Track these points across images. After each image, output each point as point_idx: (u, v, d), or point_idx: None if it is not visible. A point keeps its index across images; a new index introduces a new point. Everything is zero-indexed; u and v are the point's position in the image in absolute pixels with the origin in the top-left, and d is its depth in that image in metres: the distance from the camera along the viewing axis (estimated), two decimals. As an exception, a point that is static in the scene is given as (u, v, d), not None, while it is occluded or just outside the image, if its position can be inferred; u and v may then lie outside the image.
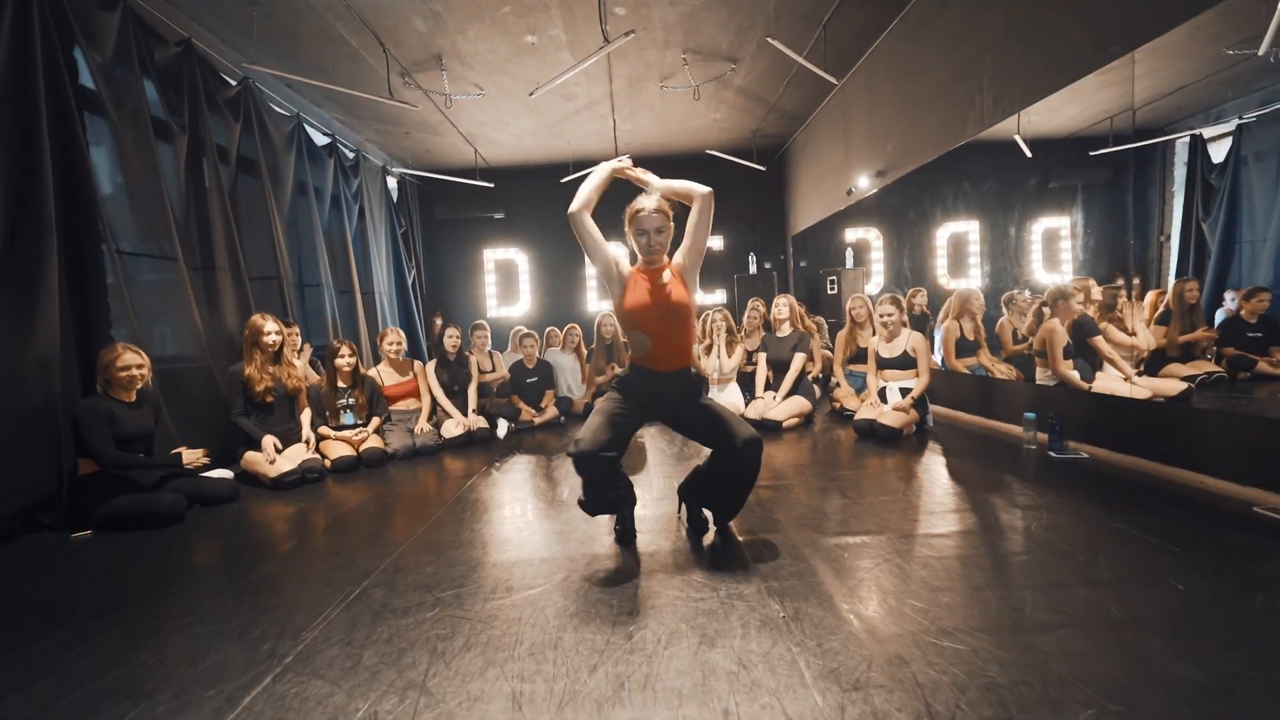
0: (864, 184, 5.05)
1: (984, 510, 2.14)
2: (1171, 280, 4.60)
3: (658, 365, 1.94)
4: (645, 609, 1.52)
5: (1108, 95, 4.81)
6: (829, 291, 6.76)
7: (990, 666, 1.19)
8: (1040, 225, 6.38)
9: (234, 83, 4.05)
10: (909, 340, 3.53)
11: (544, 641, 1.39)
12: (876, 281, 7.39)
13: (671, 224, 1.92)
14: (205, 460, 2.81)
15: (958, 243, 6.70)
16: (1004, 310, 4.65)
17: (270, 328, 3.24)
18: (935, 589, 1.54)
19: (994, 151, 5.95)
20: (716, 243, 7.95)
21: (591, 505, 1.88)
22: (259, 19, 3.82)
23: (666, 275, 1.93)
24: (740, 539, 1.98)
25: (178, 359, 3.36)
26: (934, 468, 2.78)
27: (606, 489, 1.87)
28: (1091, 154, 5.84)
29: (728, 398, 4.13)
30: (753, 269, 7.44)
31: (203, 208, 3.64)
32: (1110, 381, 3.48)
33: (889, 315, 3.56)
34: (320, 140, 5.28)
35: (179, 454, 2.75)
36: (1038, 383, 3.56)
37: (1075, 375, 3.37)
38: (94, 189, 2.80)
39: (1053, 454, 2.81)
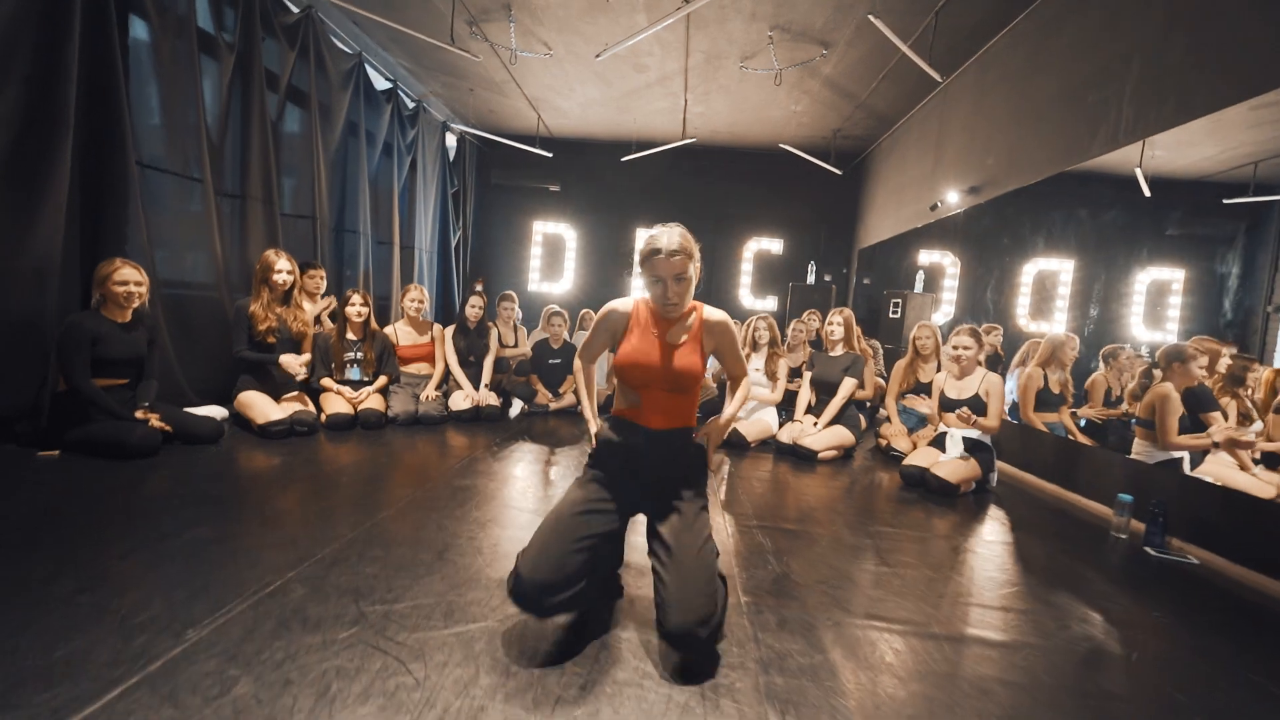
0: (953, 200, 4.47)
1: (1062, 616, 1.67)
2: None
3: (643, 421, 1.46)
4: (601, 689, 1.17)
5: (1257, 135, 4.03)
6: (891, 314, 6.17)
7: None
8: (1148, 275, 5.57)
9: (295, 9, 3.89)
10: (983, 382, 3.01)
11: (461, 710, 1.06)
12: (945, 311, 6.72)
13: (696, 267, 1.41)
14: (166, 427, 2.54)
15: (1045, 281, 5.96)
16: (1101, 364, 4.02)
17: (283, 265, 3.05)
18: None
19: (1102, 186, 5.19)
20: (775, 246, 7.45)
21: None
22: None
23: (683, 335, 1.45)
24: (742, 600, 1.60)
25: (188, 285, 3.23)
26: (995, 542, 2.30)
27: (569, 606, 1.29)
28: (1226, 201, 5.01)
29: (759, 417, 3.70)
30: (811, 279, 6.90)
31: (242, 133, 3.49)
32: (1224, 470, 2.88)
33: (965, 350, 3.05)
34: (381, 85, 5.12)
35: (142, 418, 2.50)
36: (1133, 456, 2.98)
37: (1186, 452, 2.79)
38: (121, 93, 2.65)
39: (1150, 550, 2.28)
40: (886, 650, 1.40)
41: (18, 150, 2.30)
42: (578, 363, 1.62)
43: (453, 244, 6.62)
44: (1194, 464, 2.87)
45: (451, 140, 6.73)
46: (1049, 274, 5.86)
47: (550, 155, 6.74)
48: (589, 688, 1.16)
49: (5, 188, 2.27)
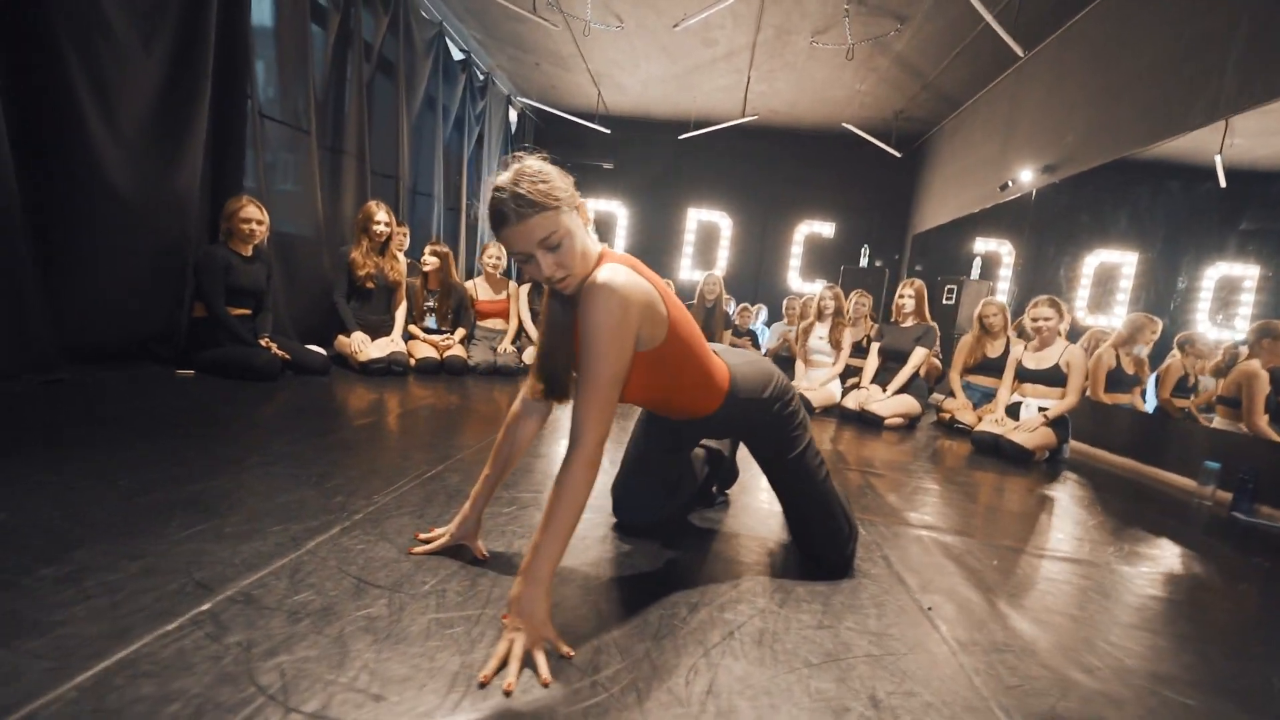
0: (1026, 179, 4.42)
1: (1164, 547, 1.72)
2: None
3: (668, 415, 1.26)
4: (751, 562, 1.28)
5: None
6: (945, 301, 6.11)
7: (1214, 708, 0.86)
8: (1216, 270, 5.41)
9: (389, -24, 4.06)
10: (1065, 353, 3.02)
11: (638, 564, 1.19)
12: (999, 301, 6.63)
13: (574, 211, 0.96)
14: (286, 356, 2.74)
15: (1108, 273, 5.83)
16: (1176, 351, 3.96)
17: (381, 217, 3.23)
18: (1131, 627, 1.20)
19: (1175, 175, 5.06)
20: (827, 230, 7.43)
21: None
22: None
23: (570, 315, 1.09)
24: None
25: (292, 231, 3.44)
26: (1075, 499, 2.34)
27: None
28: None
29: (818, 383, 3.76)
30: (863, 262, 6.87)
31: (340, 92, 3.68)
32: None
33: (1046, 320, 3.06)
34: (456, 55, 5.29)
35: (265, 345, 2.72)
36: (1214, 428, 2.96)
37: (1273, 431, 2.76)
38: (249, 47, 2.85)
39: (1238, 515, 2.29)
40: (993, 558, 1.48)
41: (166, 96, 2.50)
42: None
43: (511, 216, 6.79)
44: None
45: (513, 115, 6.89)
46: (1111, 266, 5.73)
47: (608, 132, 6.84)
48: (742, 561, 1.27)
49: (156, 129, 2.47)
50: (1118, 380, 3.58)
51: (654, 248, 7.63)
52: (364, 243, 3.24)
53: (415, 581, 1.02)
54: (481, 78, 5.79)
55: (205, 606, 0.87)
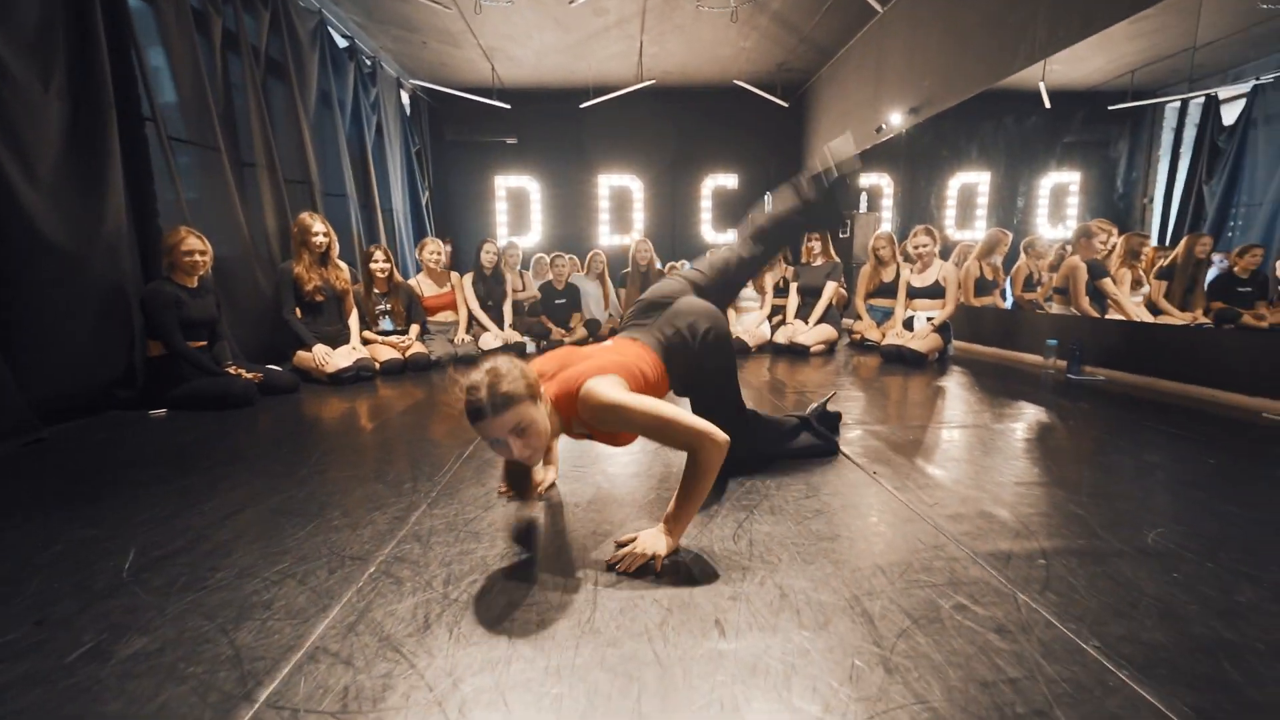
0: (896, 121, 5.05)
1: (1024, 407, 2.35)
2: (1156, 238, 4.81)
3: None
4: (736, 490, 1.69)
5: (1135, 47, 4.81)
6: (841, 235, 6.84)
7: (1068, 504, 1.40)
8: (1050, 180, 6.51)
9: (258, -33, 3.82)
10: (940, 270, 3.67)
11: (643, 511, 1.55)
12: (886, 229, 7.50)
13: (536, 402, 1.16)
14: (258, 378, 2.78)
15: (968, 193, 6.80)
16: (1021, 254, 4.81)
17: (318, 227, 3.23)
18: (1007, 458, 1.74)
19: (1011, 101, 5.97)
20: (731, 181, 7.90)
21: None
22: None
23: (578, 429, 1.29)
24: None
25: (222, 254, 3.34)
26: (960, 385, 2.99)
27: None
28: (1111, 109, 5.89)
29: (752, 326, 4.26)
30: (768, 207, 7.44)
31: (238, 101, 3.52)
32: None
33: (924, 245, 3.68)
34: (340, 42, 5.04)
35: (236, 371, 2.74)
36: (1052, 313, 3.76)
37: (1093, 310, 3.57)
38: (143, 69, 2.71)
39: (1071, 376, 3.04)
40: (910, 435, 2.00)
41: (74, 132, 2.38)
42: None
43: (423, 203, 6.65)
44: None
45: (406, 98, 6.63)
46: (970, 185, 6.69)
47: (509, 106, 6.79)
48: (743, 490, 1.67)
49: (72, 166, 2.36)
50: (982, 286, 4.36)
51: (570, 217, 7.76)
52: (304, 256, 3.23)
53: (509, 525, 1.32)
54: (369, 63, 5.55)
55: (370, 570, 1.13)
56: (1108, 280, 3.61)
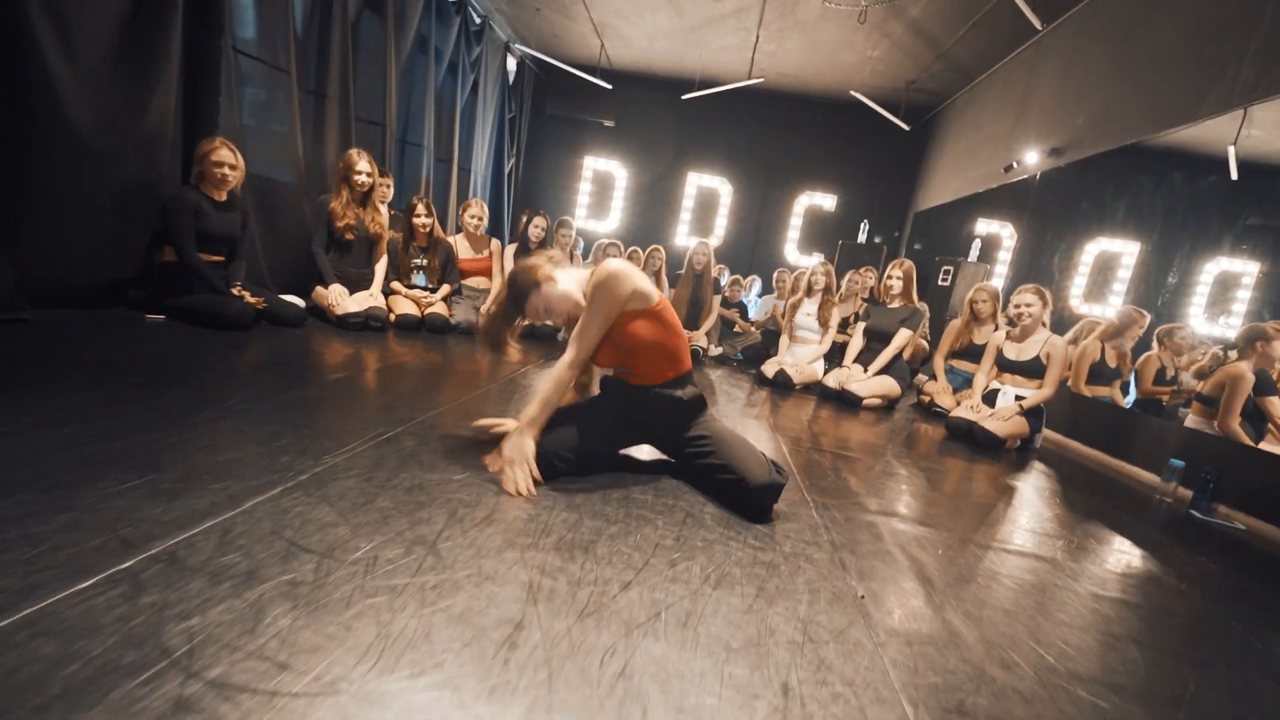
0: (1031, 161, 4.30)
1: (1119, 545, 1.75)
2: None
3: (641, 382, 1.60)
4: (692, 541, 1.29)
5: None
6: (940, 282, 6.05)
7: (1142, 739, 0.89)
8: (1216, 265, 5.35)
9: (377, -96, 3.81)
10: (1046, 344, 3.00)
11: (575, 541, 1.19)
12: (997, 285, 6.57)
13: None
14: (259, 304, 2.68)
15: (1106, 262, 5.76)
16: (1155, 344, 3.93)
17: (363, 166, 3.13)
18: (1062, 624, 1.22)
19: (1182, 162, 4.94)
20: (828, 202, 7.27)
21: None
22: None
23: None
24: (808, 498, 1.71)
25: (271, 177, 3.33)
26: (1040, 489, 2.36)
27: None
28: None
29: (803, 360, 3.75)
30: (861, 238, 6.76)
31: (325, 31, 3.51)
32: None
33: (1029, 307, 3.02)
34: (451, -5, 5.03)
35: (238, 294, 2.65)
36: (1186, 426, 2.98)
37: (1244, 435, 2.77)
38: (221, -25, 2.69)
39: (1196, 514, 2.32)
40: (953, 553, 1.49)
41: (132, 25, 2.36)
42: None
43: (506, 170, 6.61)
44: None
45: (512, 63, 6.61)
46: (1111, 255, 5.65)
47: (609, 87, 6.59)
48: (683, 541, 1.28)
49: (121, 62, 2.35)
50: (1099, 373, 3.58)
51: (652, 212, 7.47)
52: (344, 193, 3.14)
53: (349, 547, 1.02)
54: (479, 20, 5.52)
55: (125, 565, 0.86)
56: (1277, 400, 2.79)
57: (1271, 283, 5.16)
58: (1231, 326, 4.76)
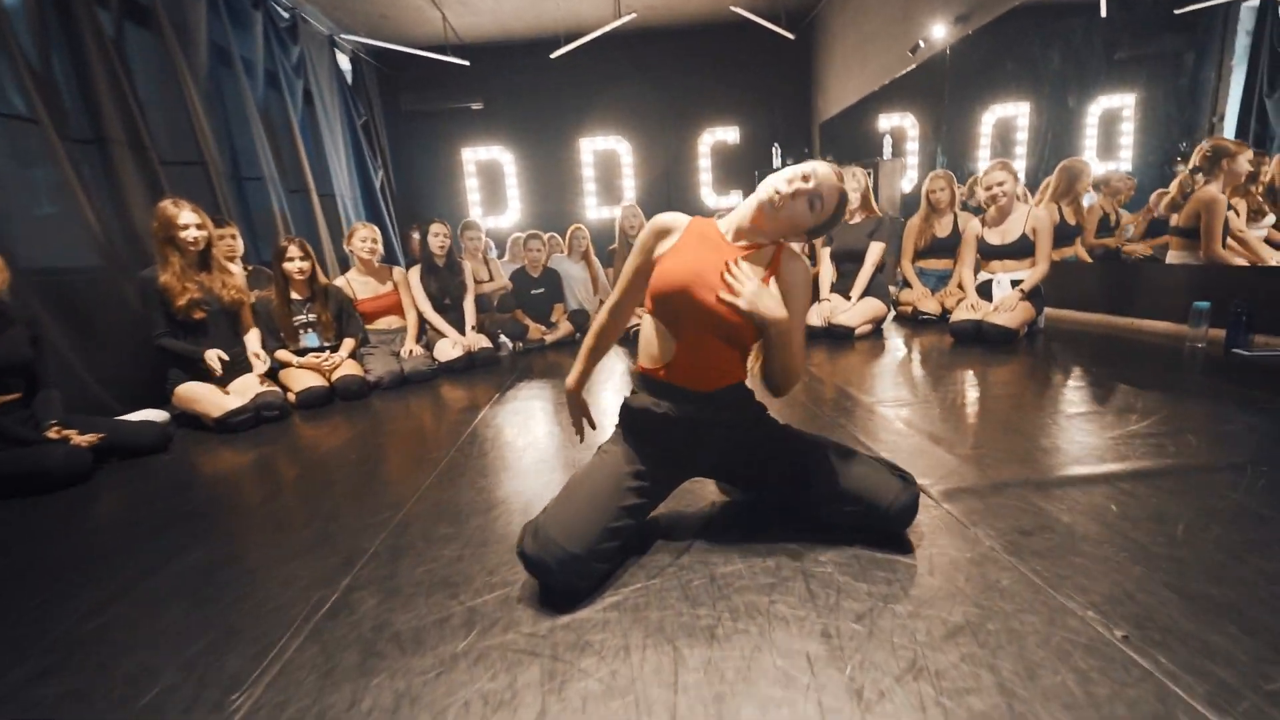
0: (939, 35, 4.07)
1: (1190, 408, 1.50)
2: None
3: (686, 383, 1.10)
4: (840, 623, 0.86)
5: None
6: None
7: None
8: (1099, 105, 5.45)
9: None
10: (1029, 218, 2.78)
11: (693, 708, 0.73)
12: (911, 177, 6.52)
13: (852, 211, 1.01)
14: (93, 441, 1.94)
15: (1004, 128, 5.77)
16: (1093, 192, 3.89)
17: (187, 218, 2.36)
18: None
19: (1059, 16, 4.93)
20: (731, 135, 6.91)
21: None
22: None
23: (759, 268, 1.08)
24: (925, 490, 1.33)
25: (67, 267, 2.49)
26: (1079, 377, 2.13)
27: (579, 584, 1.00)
28: (1178, 11, 4.83)
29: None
30: (776, 163, 6.47)
31: (77, 57, 2.62)
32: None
33: (1000, 186, 2.78)
34: (241, -11, 4.07)
35: (61, 435, 1.90)
36: (1170, 263, 2.88)
37: (1234, 256, 2.69)
38: None
39: (1239, 351, 2.17)
40: (1113, 503, 1.16)
41: None
42: (602, 314, 1.23)
43: (376, 185, 5.73)
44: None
45: (345, 61, 5.65)
46: (1007, 120, 5.66)
47: (466, 64, 5.80)
48: (835, 634, 0.84)
49: None
50: (1061, 234, 3.46)
51: (551, 190, 6.83)
52: (173, 260, 2.37)
53: None
54: (286, 15, 4.57)
55: None
56: (1231, 214, 2.73)
57: (1146, 108, 5.32)
58: (1121, 160, 4.87)
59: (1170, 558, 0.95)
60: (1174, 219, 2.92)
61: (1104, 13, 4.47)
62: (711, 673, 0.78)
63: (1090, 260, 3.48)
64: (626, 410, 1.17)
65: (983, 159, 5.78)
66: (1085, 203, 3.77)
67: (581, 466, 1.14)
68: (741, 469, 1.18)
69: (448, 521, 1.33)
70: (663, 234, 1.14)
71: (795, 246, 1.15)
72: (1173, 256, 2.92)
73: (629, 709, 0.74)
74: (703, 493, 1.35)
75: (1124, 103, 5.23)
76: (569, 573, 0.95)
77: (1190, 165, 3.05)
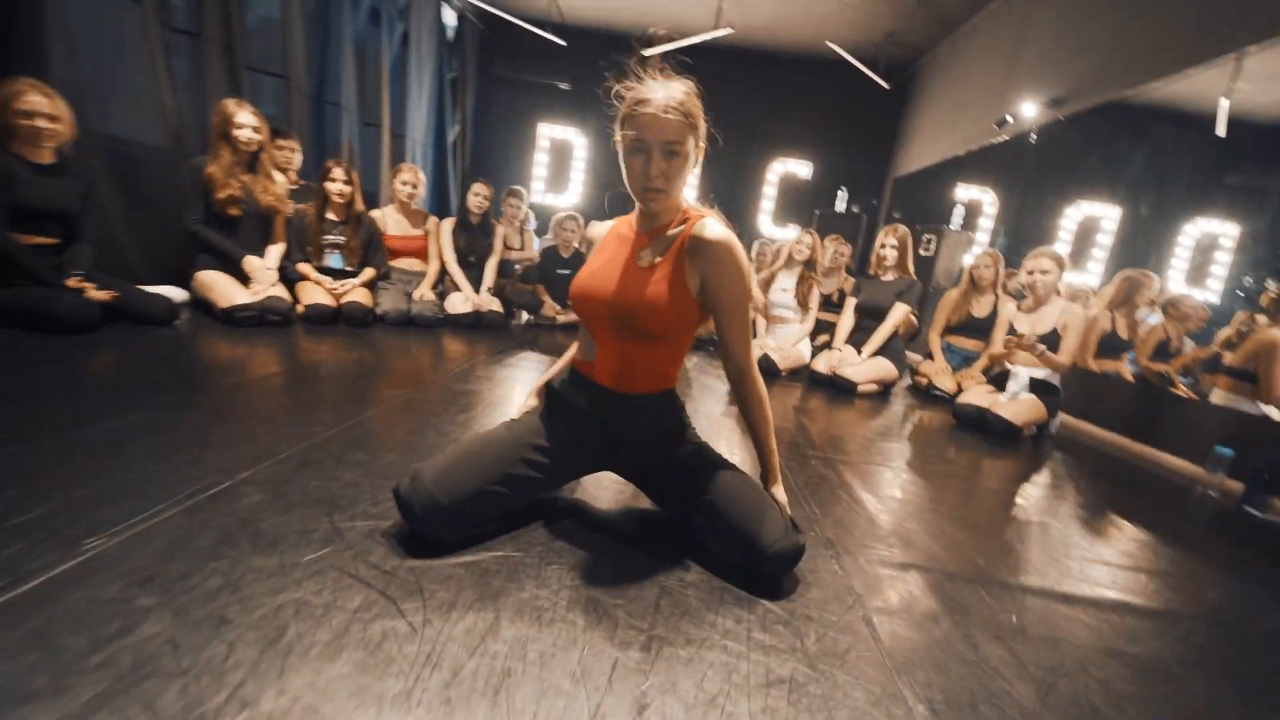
0: (1028, 114, 3.92)
1: (1172, 554, 1.38)
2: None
3: (605, 380, 1.09)
4: (671, 648, 0.84)
5: None
6: (923, 251, 5.72)
7: None
8: (1196, 227, 5.11)
9: None
10: (1063, 314, 2.64)
11: (478, 676, 0.73)
12: (976, 253, 6.29)
13: (698, 145, 1.01)
14: (105, 298, 2.07)
15: (1088, 229, 5.49)
16: (1159, 314, 3.65)
17: (245, 118, 2.51)
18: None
19: (1162, 120, 4.65)
20: (803, 170, 6.82)
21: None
22: None
23: (657, 254, 1.02)
24: (826, 541, 1.28)
25: (135, 141, 2.68)
26: (1068, 490, 2.01)
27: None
28: None
29: (787, 343, 3.33)
30: (840, 206, 6.36)
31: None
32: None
33: (1044, 274, 2.65)
34: (367, -73, 4.31)
35: (78, 285, 2.04)
36: (1213, 403, 2.68)
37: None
38: None
39: (1249, 510, 2.00)
40: (1013, 613, 1.09)
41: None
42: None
43: (450, 139, 5.93)
44: None
45: (450, 17, 5.88)
46: (1092, 221, 5.38)
47: (564, 44, 5.94)
48: (657, 650, 0.82)
49: None
50: (1110, 345, 3.27)
51: (610, 183, 6.87)
52: (224, 154, 2.53)
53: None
54: (405, -39, 4.80)
55: None
56: None
57: (1249, 244, 4.94)
58: (1209, 289, 4.55)
59: (1041, 683, 0.89)
60: (1227, 357, 2.72)
61: (1221, 130, 4.21)
62: (515, 649, 0.78)
63: (1130, 380, 3.27)
64: (550, 391, 1.17)
65: (1061, 254, 5.51)
66: (1149, 320, 3.55)
67: (489, 428, 1.15)
68: (651, 478, 1.17)
69: (367, 450, 1.36)
70: (593, 242, 1.18)
71: (717, 222, 1.01)
72: (1219, 396, 2.71)
73: (420, 658, 0.74)
74: (624, 490, 1.34)
75: (1224, 230, 4.89)
76: (432, 520, 0.96)
77: (1259, 303, 2.83)
